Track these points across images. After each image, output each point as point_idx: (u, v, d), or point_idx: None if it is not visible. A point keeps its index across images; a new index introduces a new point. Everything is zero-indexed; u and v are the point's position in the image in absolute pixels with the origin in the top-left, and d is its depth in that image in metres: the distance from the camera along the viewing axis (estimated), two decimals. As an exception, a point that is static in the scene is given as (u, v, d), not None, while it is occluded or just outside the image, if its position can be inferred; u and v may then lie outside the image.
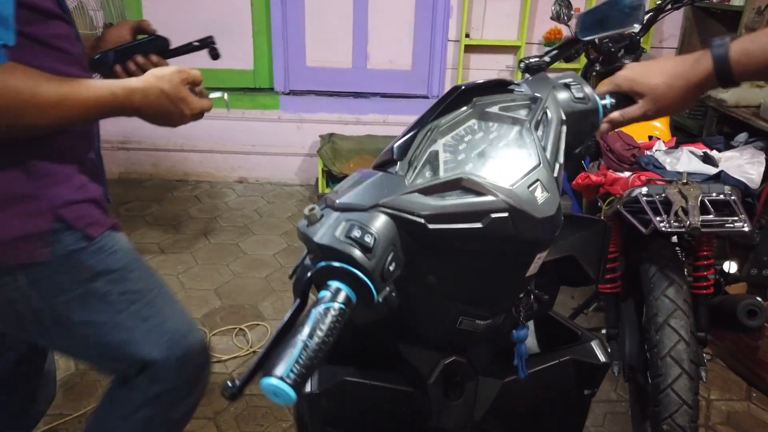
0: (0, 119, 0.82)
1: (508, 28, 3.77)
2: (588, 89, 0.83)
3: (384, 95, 3.86)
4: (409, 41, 3.83)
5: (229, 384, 0.58)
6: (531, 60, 1.00)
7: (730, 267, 1.78)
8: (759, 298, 1.65)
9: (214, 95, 1.11)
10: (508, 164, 0.68)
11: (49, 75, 0.86)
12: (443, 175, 0.69)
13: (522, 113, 0.74)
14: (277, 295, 2.55)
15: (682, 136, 2.42)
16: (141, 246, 2.94)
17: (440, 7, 3.69)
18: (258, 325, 2.35)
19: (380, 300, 0.63)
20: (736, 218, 1.37)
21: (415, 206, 0.64)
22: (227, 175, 3.88)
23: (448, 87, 3.96)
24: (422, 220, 0.64)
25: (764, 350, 2.03)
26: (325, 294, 0.58)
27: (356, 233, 0.61)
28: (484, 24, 3.78)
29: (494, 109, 0.75)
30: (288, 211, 3.44)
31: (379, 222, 0.63)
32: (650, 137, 1.95)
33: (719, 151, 1.63)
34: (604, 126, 0.89)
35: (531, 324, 1.03)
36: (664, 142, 1.74)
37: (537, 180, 0.66)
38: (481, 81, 0.77)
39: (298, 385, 0.52)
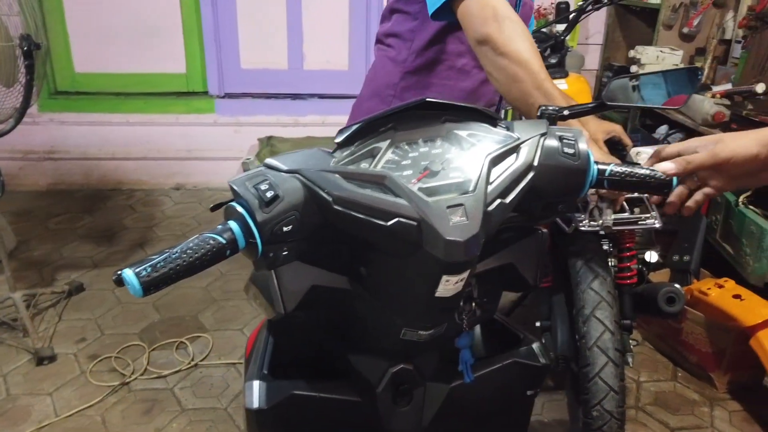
0: None
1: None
2: (582, 147, 0.79)
3: (322, 96, 3.85)
4: (345, 41, 3.83)
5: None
6: (549, 108, 0.98)
7: (651, 257, 1.88)
8: (678, 285, 1.75)
9: None
10: (445, 183, 0.70)
11: None
12: (377, 170, 0.70)
13: (489, 145, 0.75)
14: (219, 305, 2.51)
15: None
16: (73, 261, 2.84)
17: (374, 6, 3.71)
18: (199, 336, 2.31)
19: (269, 255, 0.67)
20: (648, 215, 1.46)
21: (328, 184, 0.67)
22: (163, 182, 3.78)
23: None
24: (329, 198, 0.66)
25: (687, 332, 2.16)
26: (217, 227, 0.64)
27: (263, 186, 0.65)
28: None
29: (463, 133, 0.77)
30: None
31: (290, 185, 0.67)
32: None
33: (637, 147, 1.71)
34: (667, 167, 0.85)
35: (478, 328, 1.07)
36: (586, 140, 1.81)
37: (461, 204, 0.68)
38: (461, 103, 0.78)
39: (147, 283, 0.59)
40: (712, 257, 2.41)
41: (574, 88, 2.39)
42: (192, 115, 3.70)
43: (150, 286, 0.59)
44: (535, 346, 0.98)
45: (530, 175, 0.75)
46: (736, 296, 1.98)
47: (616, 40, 3.98)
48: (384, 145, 0.73)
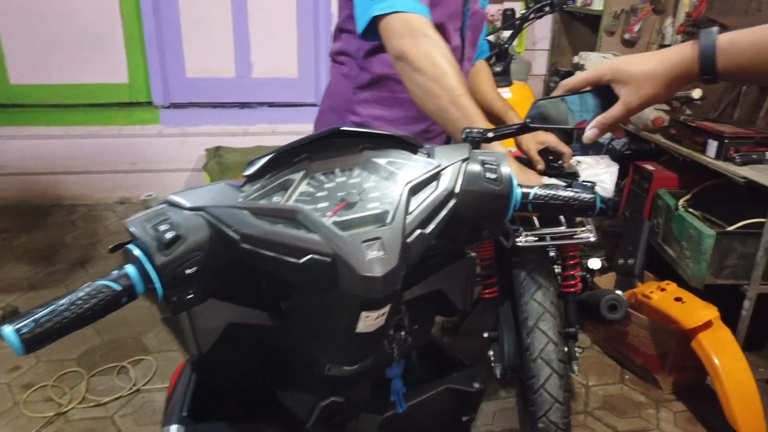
0: None
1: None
2: (505, 171, 0.78)
3: (271, 104, 3.79)
4: (294, 48, 3.78)
5: None
6: (474, 131, 0.96)
7: (595, 264, 1.90)
8: (619, 292, 1.77)
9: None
10: (362, 215, 0.68)
11: None
12: (290, 203, 0.67)
13: (409, 173, 0.73)
14: (163, 326, 2.42)
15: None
16: (8, 283, 2.71)
17: (322, 13, 3.67)
18: (142, 359, 2.23)
19: (172, 299, 0.63)
20: (583, 228, 1.47)
21: (235, 221, 0.63)
22: (107, 196, 3.66)
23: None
24: (236, 237, 0.63)
25: (632, 335, 2.19)
26: (113, 273, 0.60)
27: (162, 227, 0.61)
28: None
29: (382, 161, 0.74)
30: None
31: (193, 224, 0.63)
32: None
33: (577, 156, 1.73)
34: (590, 132, 0.86)
35: (414, 353, 1.04)
36: (528, 150, 1.82)
37: (377, 238, 0.65)
38: (378, 131, 0.75)
39: (28, 340, 0.54)
40: (655, 260, 2.46)
41: (518, 96, 2.41)
42: (136, 127, 3.59)
43: (32, 343, 0.54)
44: (469, 370, 0.97)
45: (451, 202, 0.73)
46: (678, 299, 2.02)
47: (562, 45, 4.06)
48: (298, 176, 0.70)
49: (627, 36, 3.39)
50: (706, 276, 2.12)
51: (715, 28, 0.75)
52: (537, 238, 1.46)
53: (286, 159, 0.71)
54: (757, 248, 2.05)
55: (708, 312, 1.92)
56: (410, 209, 0.69)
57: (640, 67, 0.80)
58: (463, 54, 1.37)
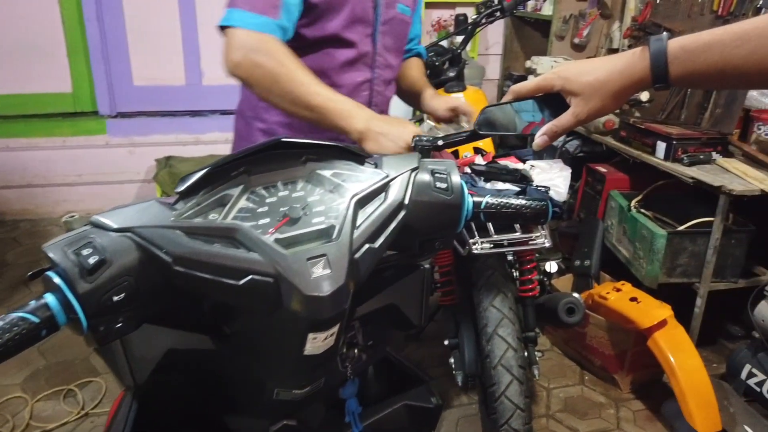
0: None
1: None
2: (456, 180, 0.76)
3: (224, 112, 3.70)
4: (246, 55, 3.70)
5: None
6: (423, 138, 0.93)
7: (551, 267, 1.91)
8: (576, 295, 1.79)
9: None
10: (306, 231, 0.64)
11: None
12: (228, 221, 0.63)
13: (355, 185, 0.69)
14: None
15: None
16: (-56, 305, 2.56)
17: (273, 20, 3.62)
18: (90, 381, 2.12)
19: (99, 330, 0.57)
20: (538, 234, 1.47)
21: (167, 242, 0.59)
22: (51, 211, 3.50)
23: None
24: (168, 259, 0.58)
25: (590, 336, 2.21)
26: (31, 303, 0.54)
27: (85, 251, 0.56)
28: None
29: (327, 173, 0.71)
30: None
31: (119, 247, 0.58)
32: (475, 149, 2.04)
33: (530, 160, 1.73)
34: (540, 140, 0.85)
35: (371, 369, 1.01)
36: (484, 155, 1.82)
37: (323, 255, 0.61)
38: (323, 141, 0.72)
39: None
40: (610, 260, 2.49)
41: (471, 101, 2.41)
42: (81, 137, 3.45)
43: None
44: (426, 386, 0.94)
45: (401, 214, 0.70)
46: (633, 299, 2.05)
47: (515, 50, 4.11)
48: (236, 191, 0.66)
49: (576, 40, 3.45)
50: (659, 275, 2.16)
51: (664, 35, 0.74)
52: (492, 245, 1.45)
53: (222, 173, 0.66)
54: (707, 246, 2.10)
55: (662, 311, 1.95)
56: (357, 223, 0.66)
57: (589, 78, 0.79)
58: (375, 60, 1.36)
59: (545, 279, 1.91)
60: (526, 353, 1.64)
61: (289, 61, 1.09)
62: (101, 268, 0.56)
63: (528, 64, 3.47)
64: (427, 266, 0.86)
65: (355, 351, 0.82)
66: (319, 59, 1.28)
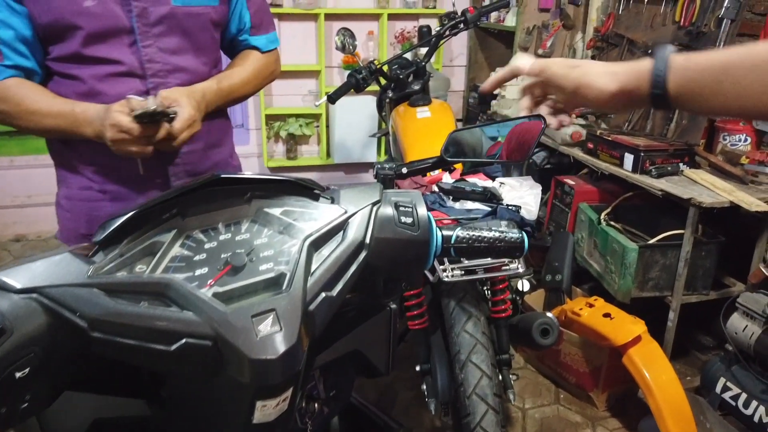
0: None
1: (306, 52, 3.71)
2: (422, 213, 0.69)
3: (183, 128, 3.57)
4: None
5: None
6: (385, 167, 0.85)
7: (524, 285, 1.85)
8: (551, 314, 1.73)
9: None
10: (252, 282, 0.56)
11: None
12: (157, 274, 0.54)
13: (309, 224, 0.62)
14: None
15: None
16: None
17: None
18: None
19: (2, 412, 0.48)
20: (510, 259, 1.42)
21: (82, 304, 0.50)
22: (1, 234, 3.31)
23: (252, 114, 3.79)
24: (84, 324, 0.49)
25: (564, 353, 2.17)
26: None
27: None
28: (281, 48, 3.69)
29: (275, 211, 0.63)
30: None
31: (23, 312, 0.49)
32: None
33: (499, 177, 1.68)
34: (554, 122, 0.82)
35: (335, 420, 0.93)
36: (451, 172, 1.76)
37: (271, 309, 0.53)
38: (265, 176, 0.63)
39: None
40: (581, 274, 2.46)
41: (437, 115, 2.35)
42: (29, 156, 3.28)
43: None
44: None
45: (362, 255, 0.62)
46: (606, 315, 2.01)
47: (479, 61, 4.09)
48: (168, 237, 0.57)
49: (540, 51, 3.44)
50: (632, 290, 2.13)
51: (670, 47, 0.69)
52: (463, 272, 1.38)
53: (151, 217, 0.57)
54: (677, 259, 2.07)
55: (636, 327, 1.91)
56: (312, 268, 0.58)
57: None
58: (146, 69, 1.17)
59: (518, 298, 1.85)
60: (500, 377, 1.58)
61: (25, 98, 1.12)
62: (1, 338, 0.46)
63: (493, 75, 3.45)
64: (393, 306, 0.79)
65: (316, 405, 0.74)
66: (81, 75, 1.17)
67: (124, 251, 0.55)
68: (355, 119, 3.80)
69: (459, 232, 0.73)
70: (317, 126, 3.94)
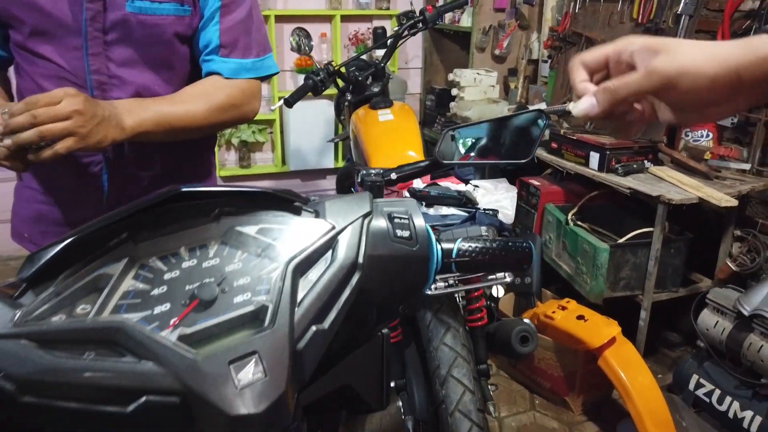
0: None
1: (257, 55, 3.57)
2: (419, 225, 0.59)
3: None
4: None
5: None
6: (372, 173, 0.74)
7: (498, 291, 1.79)
8: (528, 320, 1.67)
9: None
10: (225, 319, 0.45)
11: None
12: (105, 316, 0.43)
13: (291, 245, 0.51)
14: None
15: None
16: None
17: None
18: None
19: None
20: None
21: (7, 360, 0.39)
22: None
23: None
24: (10, 387, 0.38)
25: (539, 358, 2.12)
26: None
27: None
28: (231, 52, 3.55)
29: (250, 230, 0.52)
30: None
31: None
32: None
33: (471, 181, 1.60)
34: (586, 103, 0.58)
35: None
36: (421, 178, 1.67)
37: (253, 352, 0.43)
38: (235, 188, 0.52)
39: None
40: (550, 276, 2.42)
41: (400, 118, 2.27)
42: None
43: None
44: None
45: (355, 277, 0.52)
46: (580, 317, 1.96)
47: (435, 63, 4.04)
48: (117, 268, 0.46)
49: (497, 52, 3.42)
50: (604, 291, 2.10)
51: None
52: (447, 284, 1.29)
53: (93, 245, 0.46)
54: (647, 258, 2.05)
55: (611, 329, 1.87)
56: (298, 298, 0.48)
57: (685, 46, 0.54)
58: (89, 78, 1.05)
59: (492, 305, 1.78)
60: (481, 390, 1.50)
61: None
62: None
63: (450, 76, 3.40)
64: (385, 332, 0.69)
65: None
66: (28, 70, 1.08)
67: (60, 289, 0.43)
68: (311, 124, 3.69)
69: (461, 245, 0.64)
70: (271, 132, 3.80)
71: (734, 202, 1.89)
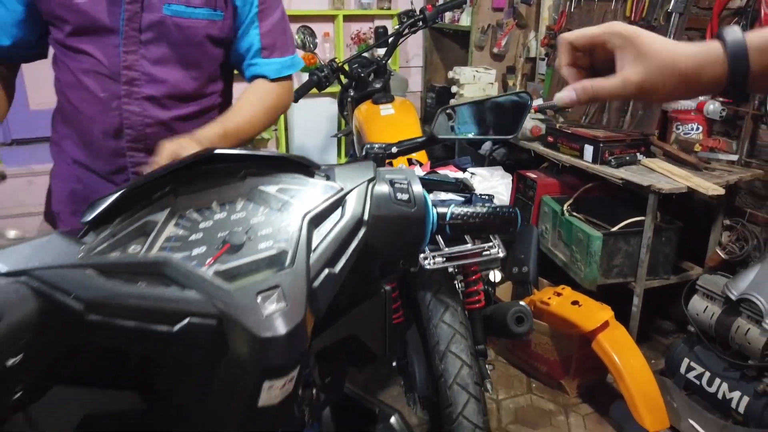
0: None
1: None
2: (417, 190, 0.67)
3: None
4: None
5: None
6: (374, 146, 0.82)
7: (495, 276, 1.87)
8: (523, 303, 1.75)
9: None
10: (253, 260, 0.53)
11: None
12: (153, 254, 0.51)
13: (306, 202, 0.60)
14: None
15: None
16: None
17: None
18: None
19: None
20: (491, 244, 1.42)
21: (76, 285, 0.47)
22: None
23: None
24: (79, 307, 0.46)
25: (535, 343, 2.19)
26: None
27: None
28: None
29: (271, 189, 0.61)
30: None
31: (13, 296, 0.45)
32: (409, 161, 1.98)
33: (469, 169, 1.68)
34: (566, 94, 0.66)
35: (327, 410, 0.90)
36: (421, 166, 1.75)
37: (276, 286, 0.51)
38: (259, 153, 0.62)
39: None
40: (546, 265, 2.50)
41: (401, 112, 2.36)
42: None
43: None
44: (393, 420, 0.85)
45: (361, 231, 0.61)
46: (575, 302, 2.04)
47: (435, 62, 4.13)
48: (161, 216, 0.54)
49: (496, 50, 3.50)
50: (597, 277, 2.17)
51: (737, 27, 0.61)
52: (445, 259, 1.37)
53: (142, 196, 0.55)
54: (640, 246, 2.13)
55: (604, 313, 1.95)
56: (313, 245, 0.56)
57: (659, 45, 0.61)
58: (121, 74, 1.15)
59: (490, 289, 1.86)
60: (478, 368, 1.58)
61: None
62: None
63: (450, 74, 3.48)
64: (387, 288, 0.77)
65: (313, 391, 0.72)
66: (69, 65, 1.18)
67: (115, 231, 0.52)
68: (314, 121, 3.77)
69: (454, 209, 0.72)
70: (275, 129, 3.89)
71: (721, 191, 1.97)
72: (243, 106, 1.22)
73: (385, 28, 3.70)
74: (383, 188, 0.66)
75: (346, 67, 2.50)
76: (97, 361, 0.55)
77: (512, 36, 3.46)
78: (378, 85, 2.54)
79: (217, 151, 0.58)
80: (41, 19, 1.16)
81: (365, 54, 2.71)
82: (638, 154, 2.28)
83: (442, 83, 3.96)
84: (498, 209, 0.75)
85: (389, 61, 2.73)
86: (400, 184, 0.67)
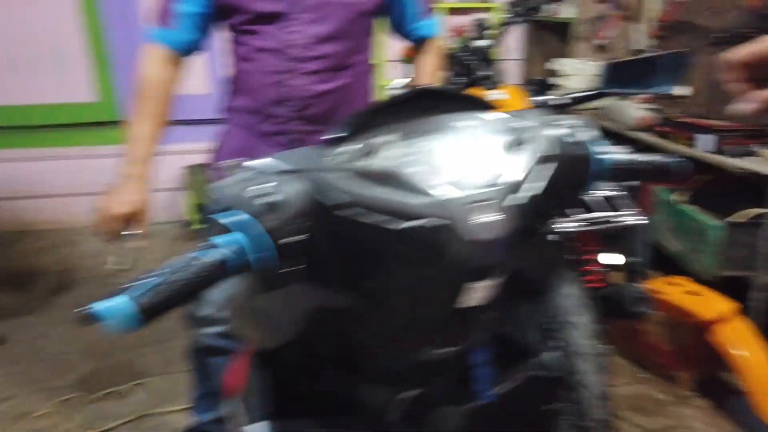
0: None
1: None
2: (585, 136, 0.74)
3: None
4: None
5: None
6: (554, 98, 0.93)
7: (616, 259, 1.87)
8: (639, 285, 1.76)
9: None
10: (460, 176, 0.63)
11: None
12: (389, 165, 0.63)
13: (503, 136, 0.68)
14: (163, 346, 2.28)
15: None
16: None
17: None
18: (141, 383, 2.09)
19: (283, 273, 0.58)
20: (629, 210, 1.44)
21: (340, 185, 0.59)
22: (80, 221, 3.46)
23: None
24: (344, 199, 0.58)
25: (647, 332, 2.18)
26: (214, 241, 0.54)
27: (265, 190, 0.57)
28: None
29: (471, 123, 0.70)
30: (156, 252, 3.14)
31: (295, 188, 0.59)
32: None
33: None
34: (745, 106, 0.62)
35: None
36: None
37: (492, 199, 0.60)
38: (455, 92, 0.73)
39: (148, 310, 0.49)
40: (655, 256, 2.47)
41: (513, 97, 2.40)
42: (108, 146, 3.41)
43: (151, 313, 0.49)
44: (547, 355, 0.91)
45: (553, 163, 0.69)
46: (692, 293, 2.01)
47: (534, 53, 4.13)
48: (386, 139, 0.65)
49: (598, 42, 3.47)
50: (714, 268, 2.14)
51: None
52: (586, 223, 1.41)
53: (370, 122, 0.67)
54: (761, 238, 2.08)
55: (725, 304, 1.90)
56: (521, 172, 0.65)
57: None
58: (285, 52, 1.32)
59: (608, 270, 1.88)
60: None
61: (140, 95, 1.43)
62: (283, 208, 0.56)
63: (550, 66, 3.49)
64: (554, 228, 0.84)
65: (494, 313, 0.80)
66: (244, 41, 1.35)
67: (349, 148, 0.64)
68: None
69: (617, 157, 0.78)
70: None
71: None
72: (430, 65, 1.47)
73: (485, 20, 3.74)
74: (557, 131, 0.73)
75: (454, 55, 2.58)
76: (323, 263, 0.66)
77: (616, 27, 3.42)
78: (485, 73, 2.60)
79: (426, 87, 0.69)
80: (217, 12, 1.34)
81: (476, 43, 2.77)
82: (758, 145, 2.23)
83: (540, 76, 3.96)
84: (669, 160, 0.81)
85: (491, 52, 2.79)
86: (569, 128, 0.74)
